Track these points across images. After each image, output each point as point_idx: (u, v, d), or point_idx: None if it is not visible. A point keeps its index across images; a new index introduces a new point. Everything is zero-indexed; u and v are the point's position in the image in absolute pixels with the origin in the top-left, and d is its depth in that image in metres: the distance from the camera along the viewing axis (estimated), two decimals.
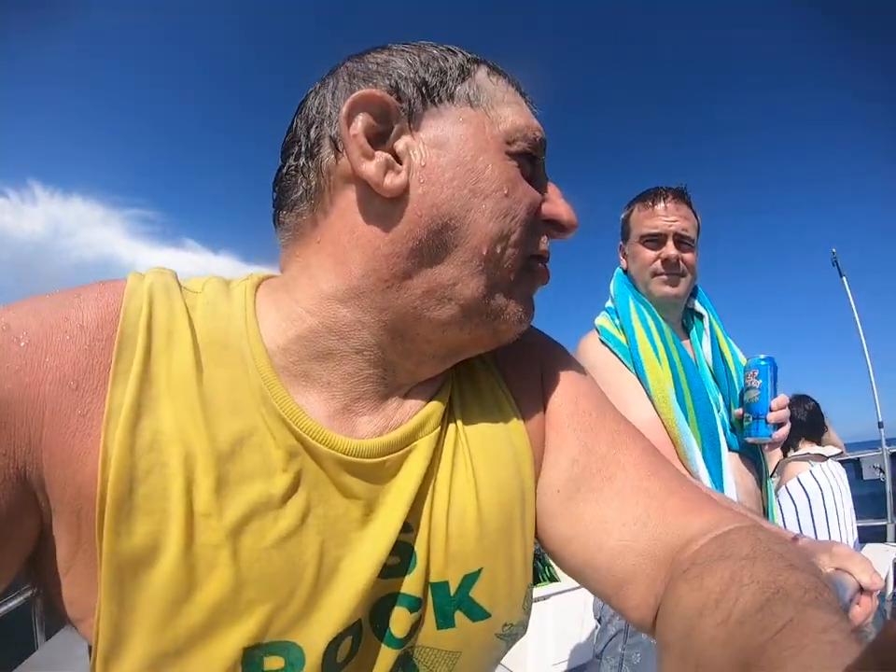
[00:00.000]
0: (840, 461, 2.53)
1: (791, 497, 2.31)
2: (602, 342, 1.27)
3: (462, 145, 0.44)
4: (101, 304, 0.40)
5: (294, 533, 0.39)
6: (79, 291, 0.42)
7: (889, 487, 4.13)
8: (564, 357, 0.58)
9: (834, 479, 2.31)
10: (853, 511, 2.31)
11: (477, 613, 0.45)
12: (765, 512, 1.21)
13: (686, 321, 1.36)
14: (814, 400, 2.64)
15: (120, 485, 0.35)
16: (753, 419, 1.13)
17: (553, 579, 2.57)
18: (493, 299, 0.45)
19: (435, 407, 0.47)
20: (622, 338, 1.25)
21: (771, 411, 1.11)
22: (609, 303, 1.36)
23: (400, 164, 0.43)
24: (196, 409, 0.39)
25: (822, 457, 2.40)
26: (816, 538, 2.15)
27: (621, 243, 1.39)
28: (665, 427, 1.16)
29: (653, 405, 1.17)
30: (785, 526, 2.27)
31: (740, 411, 1.18)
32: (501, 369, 0.54)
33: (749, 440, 1.15)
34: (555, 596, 2.45)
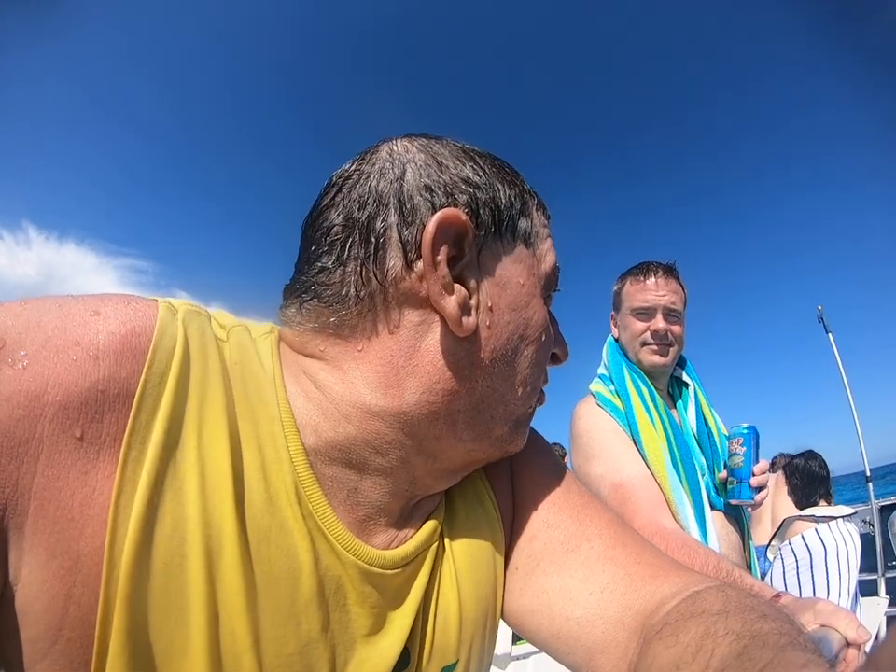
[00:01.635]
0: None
1: (794, 552, 2.35)
2: (599, 405, 1.36)
3: (519, 289, 0.44)
4: (124, 332, 0.34)
5: (314, 639, 0.38)
6: (97, 306, 0.34)
7: (878, 541, 4.14)
8: (530, 436, 0.57)
9: (843, 539, 2.31)
10: (856, 568, 2.30)
11: None
12: (748, 566, 1.30)
13: (672, 389, 1.47)
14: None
15: (134, 576, 0.30)
16: (737, 482, 1.23)
17: None
18: (514, 428, 0.48)
19: (437, 520, 0.48)
20: (617, 402, 1.35)
21: (753, 475, 1.22)
22: (601, 370, 1.46)
23: (470, 301, 0.41)
24: (227, 496, 0.34)
25: (830, 518, 2.40)
26: (814, 593, 2.20)
27: (612, 313, 1.50)
28: (658, 483, 1.24)
29: (647, 464, 1.26)
30: (784, 581, 2.30)
31: (724, 474, 1.28)
32: None
33: (734, 501, 1.25)
34: (535, 655, 2.43)
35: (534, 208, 0.47)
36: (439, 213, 0.39)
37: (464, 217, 0.40)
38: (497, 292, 0.42)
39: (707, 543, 1.20)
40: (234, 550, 0.34)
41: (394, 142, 0.44)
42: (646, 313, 1.39)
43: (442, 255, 0.39)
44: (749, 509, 1.32)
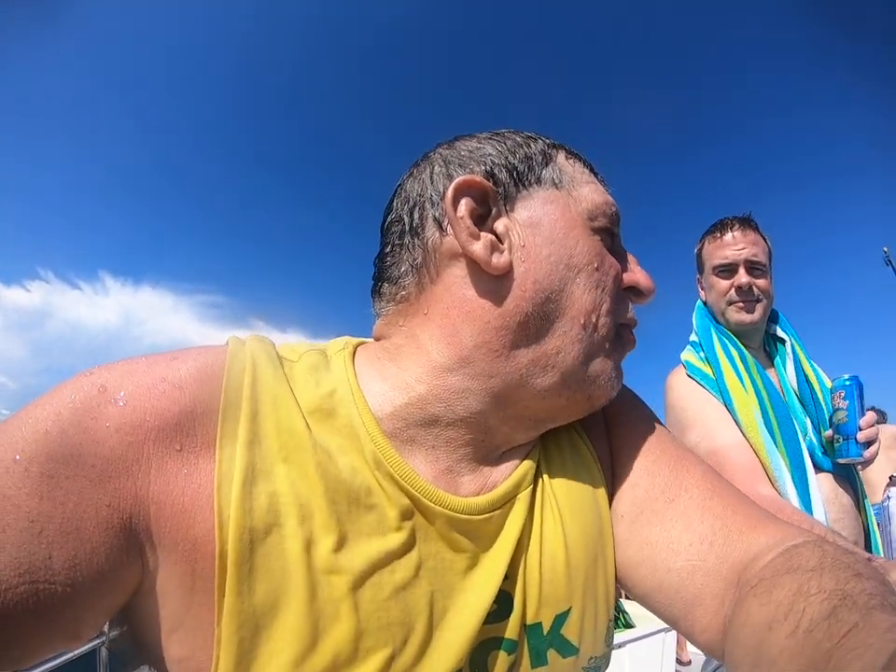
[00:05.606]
0: None
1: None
2: (689, 375, 1.33)
3: (553, 224, 0.47)
4: (200, 365, 0.41)
5: (409, 584, 0.41)
6: (176, 354, 0.42)
7: None
8: (622, 389, 0.58)
9: None
10: None
11: (567, 649, 0.46)
12: (866, 530, 1.23)
13: (768, 347, 1.40)
14: None
15: (241, 547, 0.36)
16: (843, 440, 1.16)
17: (628, 625, 2.53)
18: (589, 365, 0.48)
19: (529, 466, 0.49)
20: (707, 370, 1.31)
21: (860, 430, 1.14)
22: (693, 337, 1.42)
23: (502, 244, 0.46)
24: (311, 471, 0.40)
25: None
26: None
27: (698, 276, 1.46)
28: (753, 449, 1.20)
29: (741, 430, 1.22)
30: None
31: (830, 432, 1.20)
32: None
33: (841, 460, 1.18)
34: (631, 643, 2.41)
35: (562, 157, 0.51)
36: (455, 181, 0.46)
37: (479, 179, 0.46)
38: (530, 231, 0.47)
39: (810, 509, 1.15)
40: (324, 514, 0.39)
41: (430, 150, 0.53)
42: (728, 269, 1.34)
43: (464, 210, 0.45)
44: (860, 467, 1.23)
